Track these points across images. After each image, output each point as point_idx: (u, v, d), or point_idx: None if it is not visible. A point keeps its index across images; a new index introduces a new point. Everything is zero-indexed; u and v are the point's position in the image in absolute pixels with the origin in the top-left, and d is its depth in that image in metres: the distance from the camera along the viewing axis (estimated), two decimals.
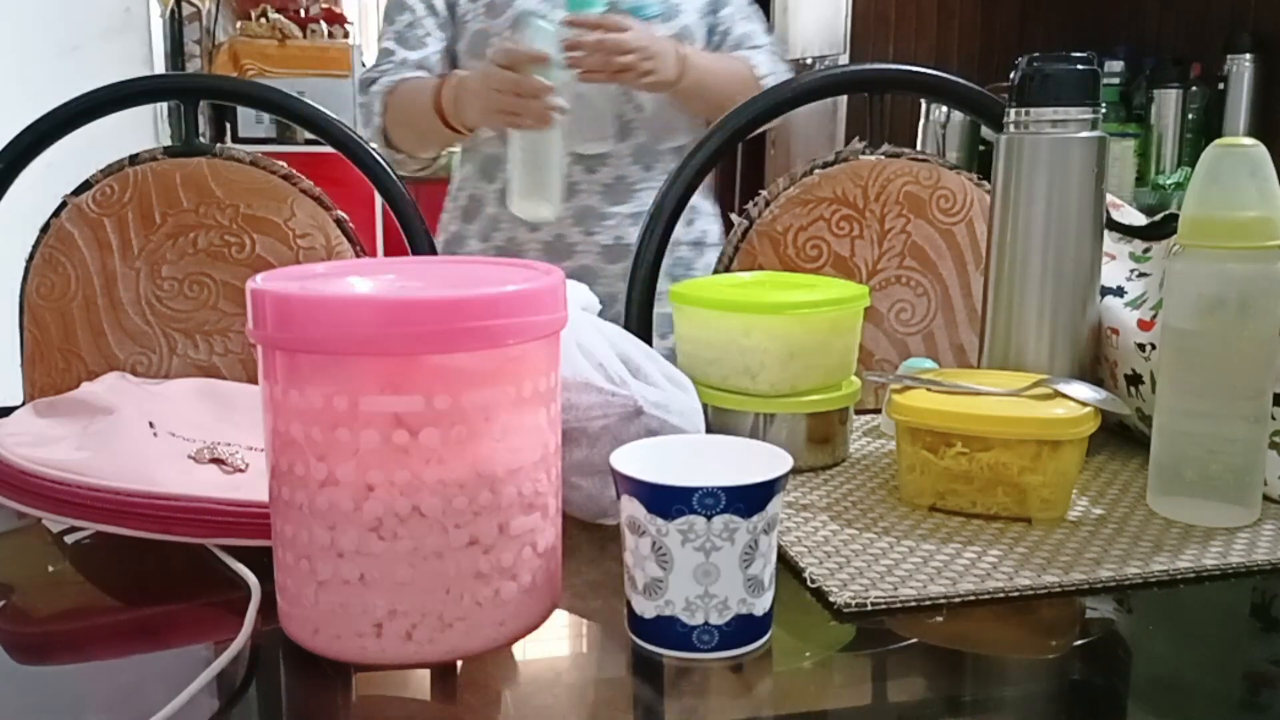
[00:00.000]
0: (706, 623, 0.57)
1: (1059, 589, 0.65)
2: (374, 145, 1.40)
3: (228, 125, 3.85)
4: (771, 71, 1.50)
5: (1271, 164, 0.72)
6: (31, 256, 1.21)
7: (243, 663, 0.57)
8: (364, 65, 3.96)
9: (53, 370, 1.21)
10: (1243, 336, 0.73)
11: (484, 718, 0.55)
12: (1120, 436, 0.92)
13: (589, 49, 1.33)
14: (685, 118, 1.52)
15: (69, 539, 0.71)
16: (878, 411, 0.98)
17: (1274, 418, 0.76)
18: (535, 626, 0.60)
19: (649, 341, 1.26)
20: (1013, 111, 0.88)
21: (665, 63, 1.38)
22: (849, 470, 0.85)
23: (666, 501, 0.56)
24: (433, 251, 1.29)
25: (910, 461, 0.76)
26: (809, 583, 0.65)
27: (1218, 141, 0.74)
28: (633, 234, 1.38)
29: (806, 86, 1.29)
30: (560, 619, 0.62)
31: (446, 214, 1.58)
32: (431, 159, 1.57)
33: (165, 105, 3.05)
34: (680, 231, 1.41)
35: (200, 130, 1.29)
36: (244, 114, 3.75)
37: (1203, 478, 0.74)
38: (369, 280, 0.62)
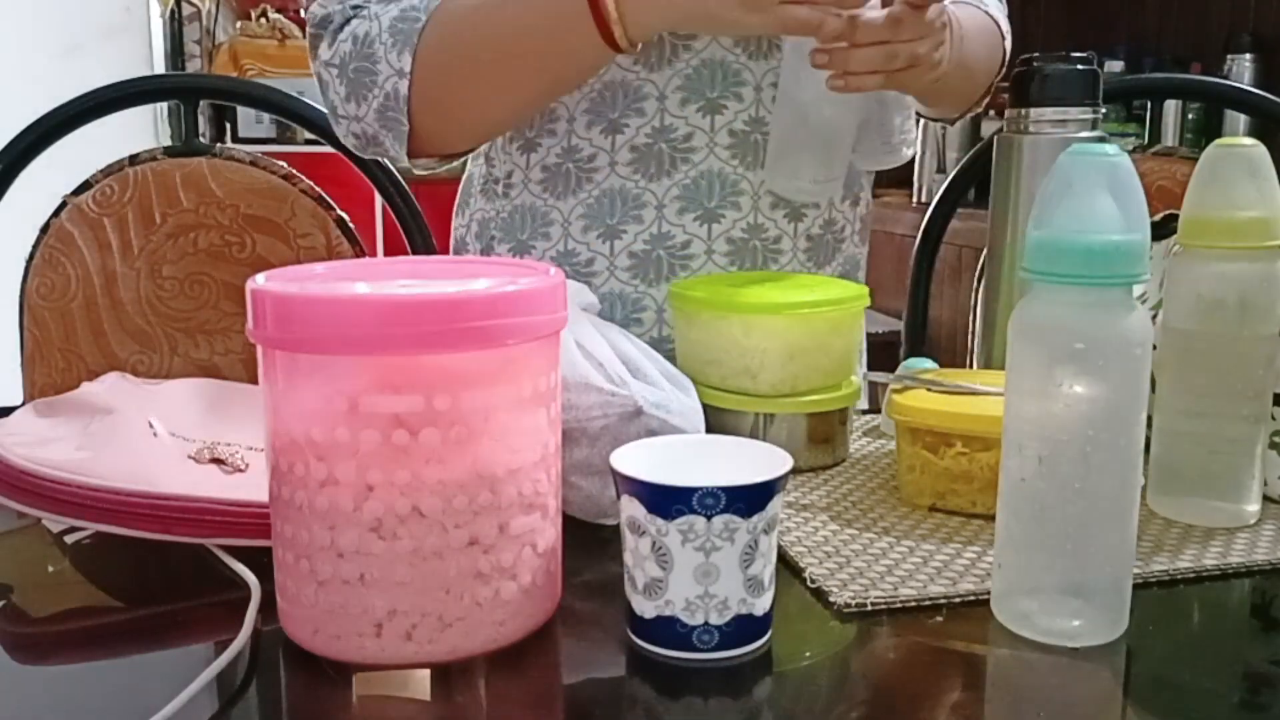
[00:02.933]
0: (706, 623, 0.57)
1: None
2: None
3: (228, 125, 3.85)
4: (1008, 27, 1.07)
5: (1271, 164, 0.72)
6: (31, 256, 1.21)
7: (243, 662, 0.58)
8: None
9: (53, 370, 1.21)
10: (1243, 337, 0.73)
11: (483, 718, 0.55)
12: None
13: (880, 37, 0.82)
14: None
15: (69, 539, 0.71)
16: (878, 412, 0.98)
17: (1274, 418, 0.76)
18: (535, 627, 0.60)
19: None
20: (1012, 111, 0.88)
21: (947, 39, 0.89)
22: (849, 470, 0.85)
23: (666, 501, 0.55)
24: (432, 252, 1.29)
25: (910, 461, 0.76)
26: (809, 583, 0.65)
27: (1218, 141, 0.74)
28: None
29: None
30: (560, 619, 0.62)
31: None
32: (464, 152, 1.00)
33: (165, 105, 3.05)
34: None
35: (200, 130, 1.29)
36: (244, 114, 3.74)
37: (1203, 478, 0.74)
38: (369, 280, 0.62)
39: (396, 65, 0.88)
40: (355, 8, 0.92)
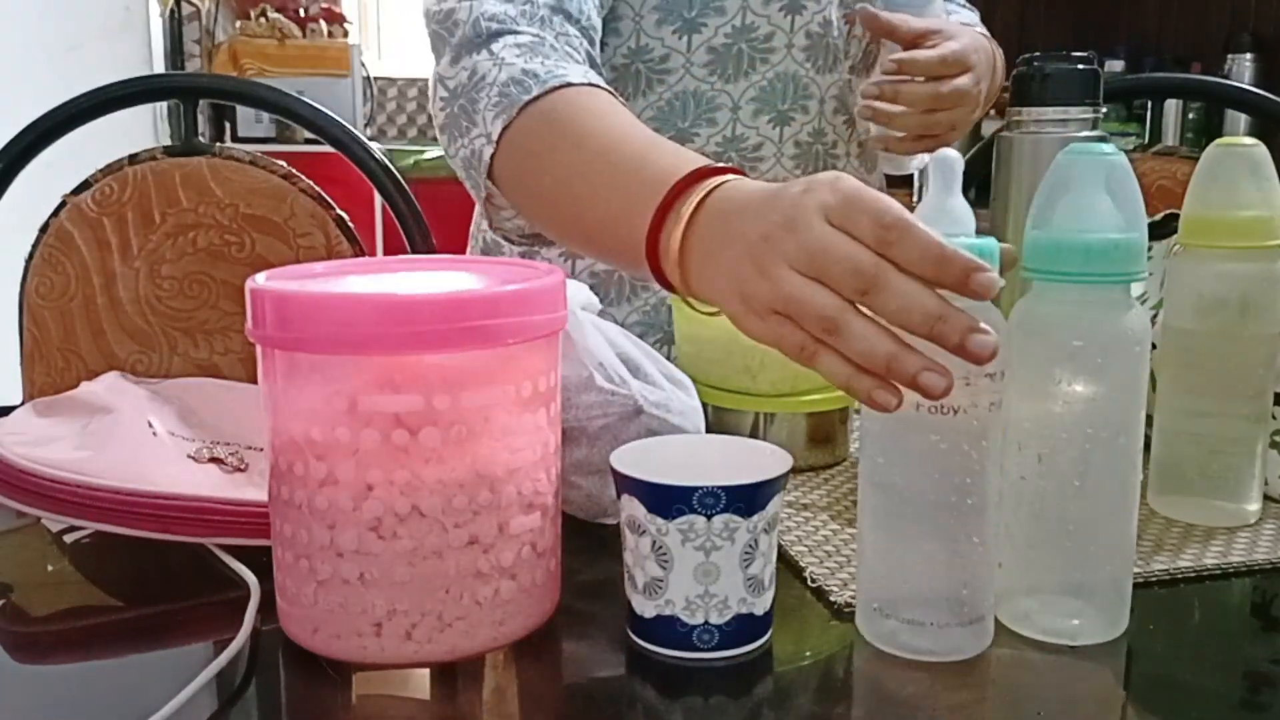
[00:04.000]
0: (706, 622, 0.57)
1: None
2: (377, 146, 1.25)
3: (227, 125, 3.84)
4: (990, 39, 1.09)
5: (1271, 164, 0.72)
6: (31, 256, 1.21)
7: (242, 662, 0.57)
8: (364, 65, 3.94)
9: (52, 370, 1.21)
10: (1243, 336, 0.73)
11: (483, 718, 0.55)
12: None
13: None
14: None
15: (68, 538, 0.71)
16: None
17: (1274, 417, 0.76)
18: (535, 626, 0.60)
19: None
20: (1013, 111, 0.87)
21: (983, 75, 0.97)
22: (849, 470, 0.85)
23: (666, 501, 0.55)
24: (432, 252, 1.29)
25: None
26: (809, 583, 0.65)
27: (1218, 141, 0.74)
28: None
29: None
30: (560, 619, 0.62)
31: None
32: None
33: (165, 105, 3.05)
34: None
35: (200, 130, 1.29)
36: (244, 114, 3.74)
37: (1203, 477, 0.74)
38: (367, 279, 0.62)
39: (488, 129, 0.81)
40: (494, 31, 0.83)
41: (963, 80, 0.94)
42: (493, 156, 0.80)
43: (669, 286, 0.64)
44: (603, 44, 0.96)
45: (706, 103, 0.98)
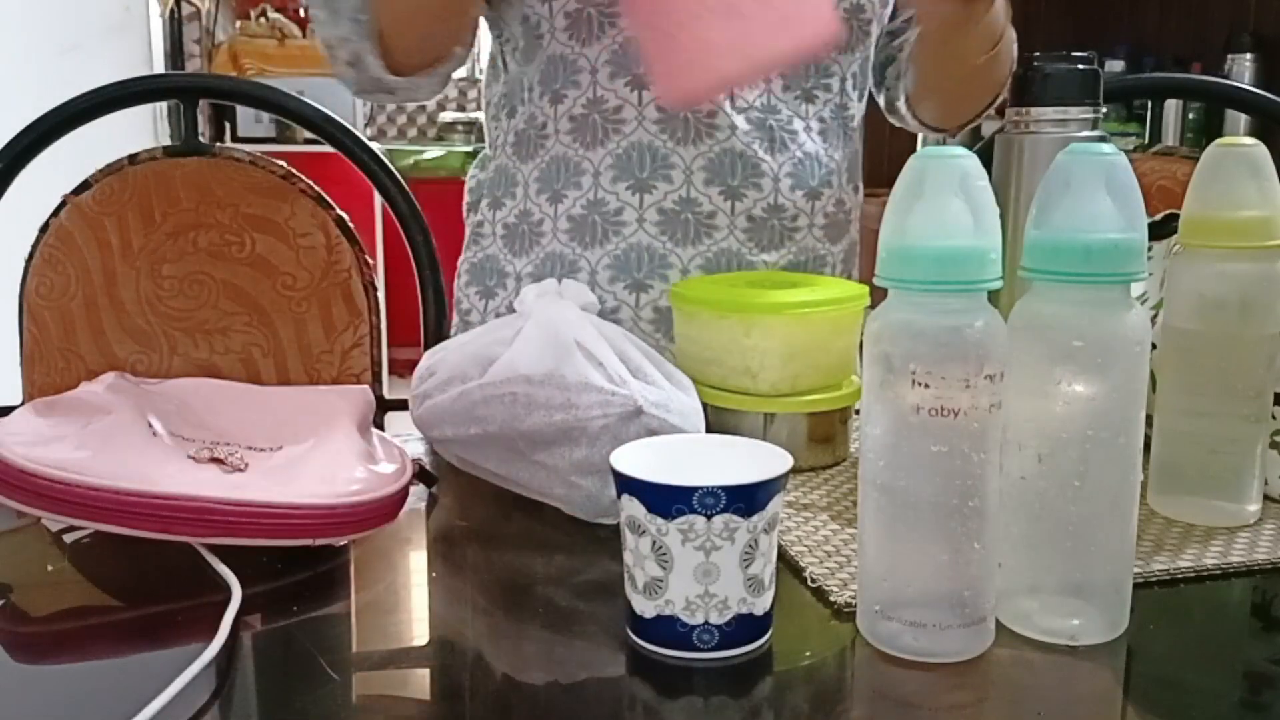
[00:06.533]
0: (706, 622, 0.57)
1: None
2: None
3: (227, 125, 3.85)
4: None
5: (1271, 164, 0.72)
6: (31, 256, 1.21)
7: (222, 663, 0.57)
8: None
9: (52, 370, 1.21)
10: (1243, 336, 0.73)
11: (483, 718, 0.55)
12: None
13: None
14: None
15: (68, 538, 0.71)
16: None
17: (1274, 417, 0.76)
18: None
19: None
20: (1013, 111, 0.87)
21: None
22: (849, 470, 0.85)
23: (666, 501, 0.55)
24: (431, 253, 1.28)
25: None
26: (809, 583, 0.65)
27: (1218, 141, 0.74)
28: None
29: None
30: (561, 619, 0.62)
31: (472, 244, 1.08)
32: (440, 78, 0.99)
33: (165, 105, 3.05)
34: None
35: (200, 130, 1.29)
36: (244, 114, 3.74)
37: (1203, 477, 0.74)
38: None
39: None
40: None
41: None
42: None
43: None
44: (561, 95, 0.98)
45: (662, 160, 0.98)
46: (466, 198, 1.11)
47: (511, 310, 0.94)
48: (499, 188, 1.05)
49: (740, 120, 0.97)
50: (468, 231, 1.10)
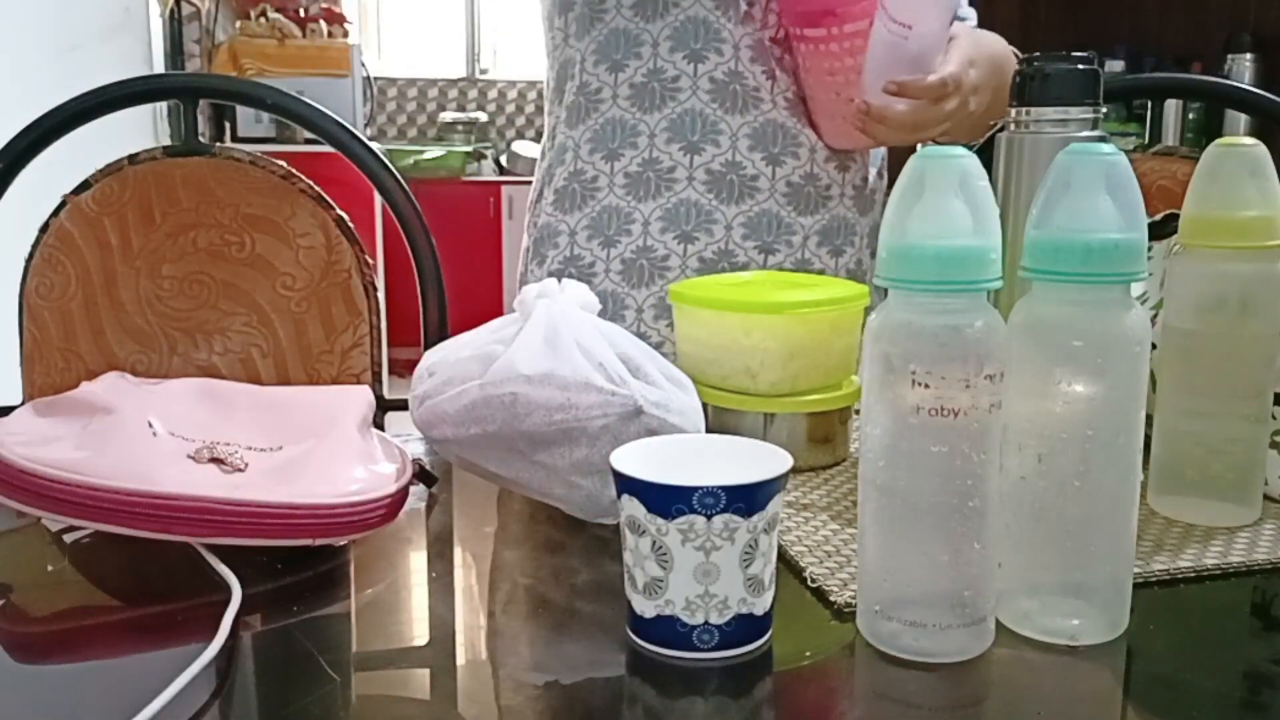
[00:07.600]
0: (706, 622, 0.57)
1: None
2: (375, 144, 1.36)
3: (227, 125, 3.85)
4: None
5: (1271, 164, 0.72)
6: (31, 256, 1.21)
7: (222, 663, 0.57)
8: (364, 65, 3.95)
9: (52, 370, 1.21)
10: (1243, 336, 0.73)
11: (483, 718, 0.55)
12: None
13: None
14: None
15: (68, 538, 0.71)
16: None
17: (1274, 417, 0.76)
18: None
19: None
20: (1013, 111, 0.87)
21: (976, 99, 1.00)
22: (849, 470, 0.85)
23: (666, 501, 0.55)
24: (433, 253, 1.28)
25: None
26: (809, 583, 0.65)
27: (1218, 141, 0.74)
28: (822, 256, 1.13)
29: None
30: (561, 619, 0.62)
31: (539, 195, 1.19)
32: None
33: (165, 105, 3.05)
34: None
35: (200, 130, 1.28)
36: (244, 114, 3.74)
37: (1203, 477, 0.74)
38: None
39: None
40: None
41: (949, 104, 0.96)
42: None
43: None
44: (622, 65, 1.09)
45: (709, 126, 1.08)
46: (531, 195, 1.22)
47: (569, 262, 1.12)
48: (557, 165, 1.15)
49: (781, 99, 1.09)
50: (527, 218, 1.21)
